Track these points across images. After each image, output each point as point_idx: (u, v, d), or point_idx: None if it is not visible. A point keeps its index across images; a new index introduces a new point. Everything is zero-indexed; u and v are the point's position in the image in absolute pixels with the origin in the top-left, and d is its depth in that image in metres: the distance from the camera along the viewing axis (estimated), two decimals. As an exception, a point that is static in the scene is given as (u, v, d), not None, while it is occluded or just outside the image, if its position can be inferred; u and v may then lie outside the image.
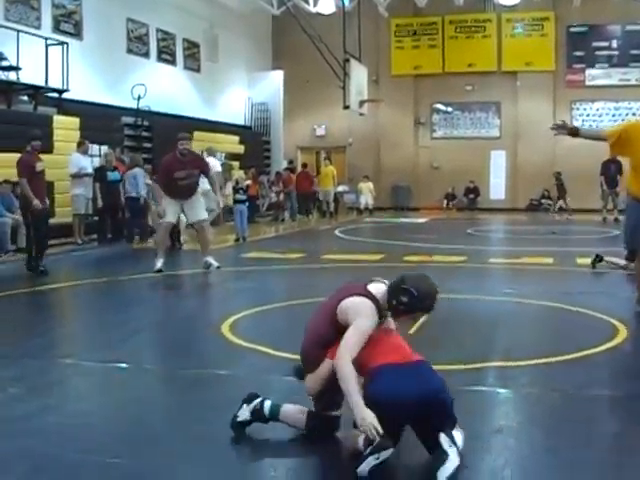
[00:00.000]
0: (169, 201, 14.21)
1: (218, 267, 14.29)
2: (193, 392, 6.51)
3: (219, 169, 23.20)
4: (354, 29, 27.31)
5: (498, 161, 35.45)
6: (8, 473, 4.67)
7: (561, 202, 31.83)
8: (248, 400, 5.21)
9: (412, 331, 8.54)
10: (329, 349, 5.02)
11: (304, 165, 32.51)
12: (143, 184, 19.61)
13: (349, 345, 4.84)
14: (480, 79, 35.02)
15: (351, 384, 4.72)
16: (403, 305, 5.00)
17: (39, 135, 14.75)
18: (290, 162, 33.15)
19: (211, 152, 23.12)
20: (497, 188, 35.63)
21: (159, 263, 13.86)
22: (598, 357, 7.47)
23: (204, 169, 14.51)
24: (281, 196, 28.86)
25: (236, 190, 20.64)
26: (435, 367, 6.90)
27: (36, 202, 13.99)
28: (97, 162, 20.42)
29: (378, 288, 5.14)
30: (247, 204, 20.92)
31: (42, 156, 14.61)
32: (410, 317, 5.19)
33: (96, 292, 12.87)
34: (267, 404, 5.18)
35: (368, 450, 4.54)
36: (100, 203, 18.93)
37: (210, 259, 14.36)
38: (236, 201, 20.50)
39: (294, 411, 5.22)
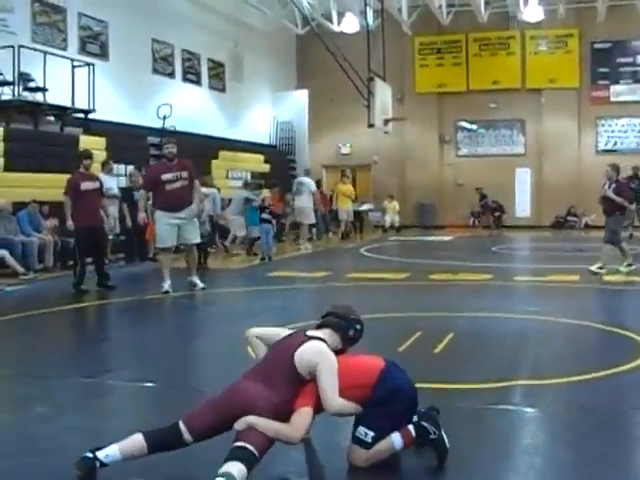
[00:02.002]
0: (163, 220, 13.89)
1: (203, 288, 14.19)
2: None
3: (314, 188, 25.03)
4: (378, 48, 27.31)
5: (523, 178, 35.34)
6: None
7: (488, 219, 33.08)
8: None
9: (438, 350, 8.59)
10: (296, 401, 4.91)
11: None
12: (219, 203, 21.54)
13: (332, 389, 4.93)
14: (504, 96, 34.92)
15: (352, 406, 5.00)
16: (359, 332, 5.38)
17: (89, 154, 14.89)
18: (317, 182, 33.14)
19: (307, 172, 24.07)
20: (522, 205, 35.53)
21: (166, 285, 13.83)
22: (625, 375, 7.42)
23: (192, 172, 14.14)
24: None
25: (262, 209, 20.68)
26: (461, 385, 6.97)
27: (69, 223, 14.20)
28: (123, 182, 20.60)
29: (317, 332, 5.24)
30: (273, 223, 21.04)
31: (66, 176, 14.72)
32: (352, 345, 5.43)
33: (122, 311, 12.96)
34: None
35: (433, 433, 5.00)
36: (129, 223, 19.00)
37: (196, 279, 14.28)
38: (262, 220, 20.54)
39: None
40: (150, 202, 14.79)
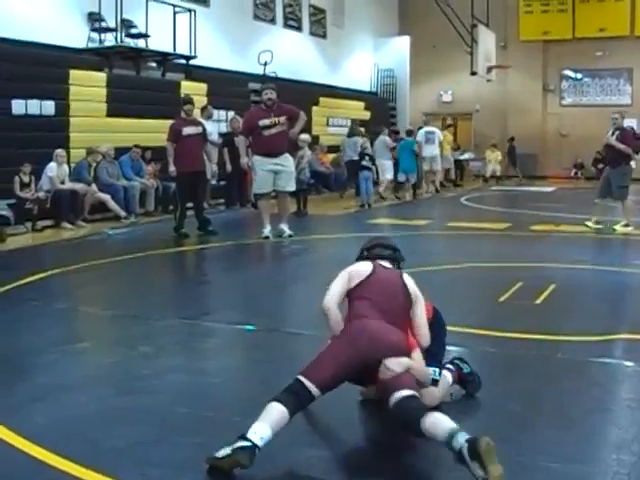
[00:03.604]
0: (261, 166, 13.87)
1: (290, 236, 14.12)
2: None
3: (442, 137, 26.30)
4: (482, -7, 26.93)
5: (629, 130, 34.43)
6: (139, 426, 4.80)
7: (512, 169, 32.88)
8: None
9: (539, 301, 8.47)
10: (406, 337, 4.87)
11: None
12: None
13: (427, 323, 5.01)
14: (611, 44, 33.87)
15: None
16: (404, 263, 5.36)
17: (189, 99, 14.98)
18: (419, 128, 32.86)
19: (427, 122, 25.62)
20: (627, 157, 34.65)
21: (266, 230, 13.88)
22: None
23: (291, 115, 14.10)
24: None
25: (362, 156, 20.65)
26: (562, 337, 6.87)
27: (172, 169, 14.32)
28: (224, 127, 20.72)
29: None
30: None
31: (167, 121, 14.84)
32: None
33: (222, 255, 13.09)
34: None
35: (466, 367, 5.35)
36: (229, 168, 19.07)
37: (284, 226, 14.24)
38: (362, 167, 20.52)
39: None
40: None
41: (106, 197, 16.47)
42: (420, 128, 26.07)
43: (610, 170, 15.50)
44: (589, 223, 15.35)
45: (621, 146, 15.14)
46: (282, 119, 13.85)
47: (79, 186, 16.09)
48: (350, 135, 22.26)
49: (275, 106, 13.90)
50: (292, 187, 14.49)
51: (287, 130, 14.03)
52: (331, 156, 25.97)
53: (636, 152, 15.57)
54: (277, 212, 14.54)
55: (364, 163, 20.45)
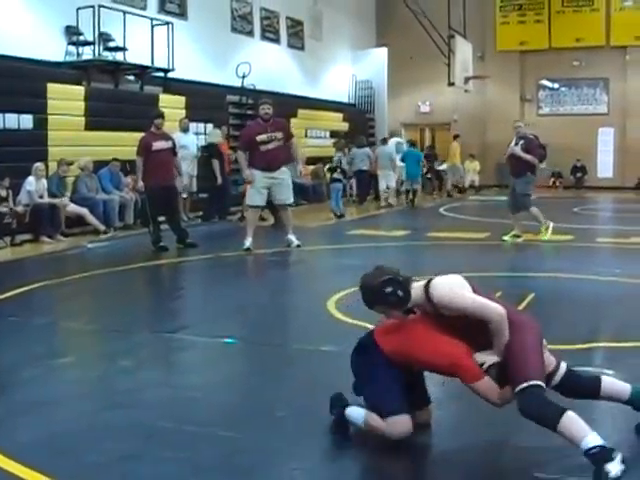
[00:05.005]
0: (257, 179, 13.97)
1: (298, 246, 14.24)
2: (299, 367, 6.56)
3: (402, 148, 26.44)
4: (459, 4, 27.05)
5: (606, 139, 34.61)
6: (123, 441, 4.80)
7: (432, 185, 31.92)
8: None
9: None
10: None
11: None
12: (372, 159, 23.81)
13: None
14: (588, 54, 34.05)
15: None
16: None
17: (160, 113, 15.01)
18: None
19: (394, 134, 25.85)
20: (605, 166, 34.84)
21: (247, 242, 13.88)
22: None
23: (287, 132, 14.38)
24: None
25: (334, 169, 20.85)
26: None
27: (140, 184, 14.36)
28: (202, 140, 20.73)
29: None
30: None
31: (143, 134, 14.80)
32: None
33: (202, 268, 13.09)
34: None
35: None
36: (219, 180, 19.18)
37: (292, 237, 14.35)
38: (334, 180, 20.76)
39: None
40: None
41: (83, 211, 16.38)
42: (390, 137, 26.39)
43: (514, 180, 15.30)
44: (506, 237, 15.17)
45: (527, 157, 14.98)
46: (279, 134, 14.01)
47: (58, 200, 16.04)
48: (360, 146, 22.58)
49: (271, 121, 14.04)
50: (290, 199, 14.64)
51: (283, 145, 14.15)
52: (310, 168, 26.01)
53: (540, 161, 15.46)
54: (281, 225, 14.94)
55: (336, 176, 20.74)
